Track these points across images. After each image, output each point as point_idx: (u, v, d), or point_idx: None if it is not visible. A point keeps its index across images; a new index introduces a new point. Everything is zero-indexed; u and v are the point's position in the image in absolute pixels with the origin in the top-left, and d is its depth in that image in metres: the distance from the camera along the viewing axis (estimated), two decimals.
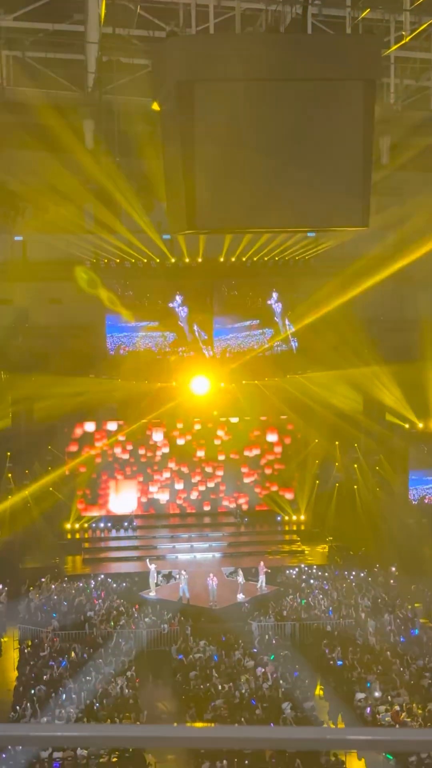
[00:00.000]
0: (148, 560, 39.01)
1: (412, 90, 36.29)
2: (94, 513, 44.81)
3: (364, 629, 33.16)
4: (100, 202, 40.59)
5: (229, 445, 45.81)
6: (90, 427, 44.81)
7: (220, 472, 45.96)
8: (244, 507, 45.91)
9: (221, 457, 45.83)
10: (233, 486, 46.05)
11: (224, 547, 43.07)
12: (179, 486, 45.88)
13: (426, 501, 44.20)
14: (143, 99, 31.32)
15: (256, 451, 46.00)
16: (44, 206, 41.78)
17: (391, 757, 23.40)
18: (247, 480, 46.03)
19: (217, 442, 45.81)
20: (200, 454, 45.76)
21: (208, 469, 45.96)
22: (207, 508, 46.12)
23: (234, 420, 45.48)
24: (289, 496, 45.83)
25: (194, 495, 46.02)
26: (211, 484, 46.07)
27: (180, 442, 45.60)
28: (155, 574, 37.62)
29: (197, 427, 45.56)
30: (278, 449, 46.24)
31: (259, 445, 46.02)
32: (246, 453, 45.96)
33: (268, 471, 46.09)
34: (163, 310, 44.36)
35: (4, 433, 42.28)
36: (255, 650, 31.72)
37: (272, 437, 46.11)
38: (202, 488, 46.08)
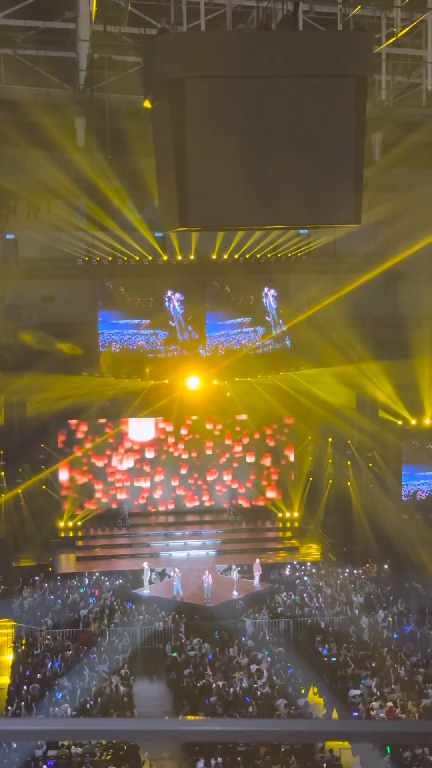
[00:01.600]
0: (142, 560, 39.10)
1: (404, 87, 36.33)
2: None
3: (358, 626, 33.21)
4: (92, 200, 40.61)
5: (221, 442, 45.78)
6: (83, 424, 44.72)
7: (212, 470, 45.91)
8: (238, 504, 45.87)
9: (212, 453, 45.78)
10: (225, 483, 46.02)
11: (218, 545, 43.07)
12: (173, 483, 45.85)
13: (418, 496, 44.26)
14: (135, 96, 31.33)
15: (249, 449, 45.96)
16: (36, 204, 41.81)
17: (389, 750, 23.43)
18: (239, 477, 46.00)
19: (209, 441, 45.78)
20: (193, 451, 45.71)
21: (201, 467, 45.92)
22: (202, 504, 46.09)
23: (226, 417, 45.43)
24: (273, 494, 45.81)
25: (188, 493, 45.99)
26: (203, 482, 46.03)
27: (171, 439, 45.57)
28: (148, 572, 37.67)
29: (189, 422, 45.51)
30: (272, 446, 46.20)
31: (252, 442, 45.98)
32: (238, 450, 45.94)
33: (261, 468, 46.02)
34: (154, 308, 44.36)
35: None
36: (249, 646, 31.73)
37: (265, 434, 46.09)
38: (194, 485, 46.05)
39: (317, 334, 42.75)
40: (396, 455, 44.51)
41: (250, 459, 45.92)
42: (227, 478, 45.94)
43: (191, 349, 44.56)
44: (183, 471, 45.84)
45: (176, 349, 44.57)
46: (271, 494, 45.82)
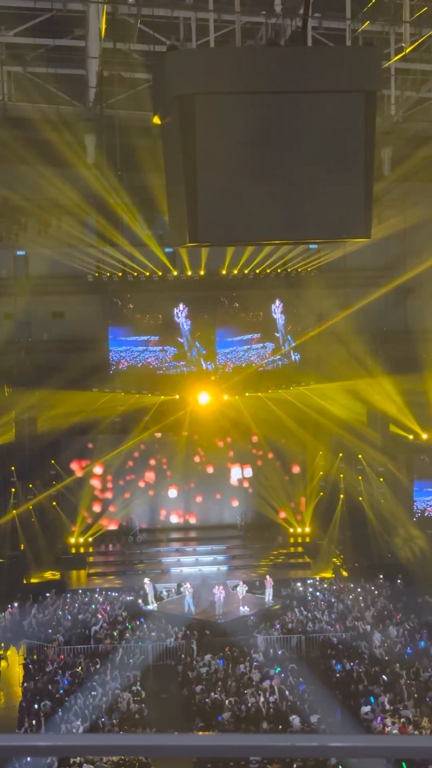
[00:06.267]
0: (145, 577, 39.09)
1: (413, 101, 36.39)
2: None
3: (370, 641, 33.06)
4: (102, 216, 40.75)
5: (232, 457, 45.72)
6: (93, 440, 44.70)
7: (223, 485, 45.84)
8: (249, 520, 45.80)
9: (223, 468, 45.70)
10: (238, 498, 45.95)
11: (229, 560, 43.00)
12: (183, 499, 45.81)
13: (426, 513, 44.05)
14: (144, 113, 31.47)
15: (259, 463, 45.88)
16: (46, 220, 41.93)
17: (405, 766, 23.23)
18: (250, 493, 45.91)
19: (219, 456, 45.71)
20: (204, 466, 45.65)
21: (211, 482, 45.86)
22: (213, 520, 46.06)
23: (237, 432, 45.35)
24: (283, 510, 45.71)
25: (199, 509, 45.95)
26: (214, 497, 45.99)
27: (181, 454, 45.52)
28: (152, 588, 37.60)
29: (199, 438, 45.45)
30: (282, 461, 46.10)
31: (262, 457, 45.91)
32: (248, 465, 45.85)
33: (272, 483, 45.91)
34: (164, 324, 44.32)
35: (8, 448, 42.27)
36: (258, 662, 31.60)
37: (276, 449, 46.01)
38: (206, 502, 46.01)
39: (328, 348, 42.71)
40: (407, 470, 44.42)
41: (260, 474, 45.82)
42: (238, 493, 45.84)
43: (200, 365, 44.48)
44: (194, 487, 45.79)
45: (185, 365, 44.50)
46: (281, 510, 45.71)
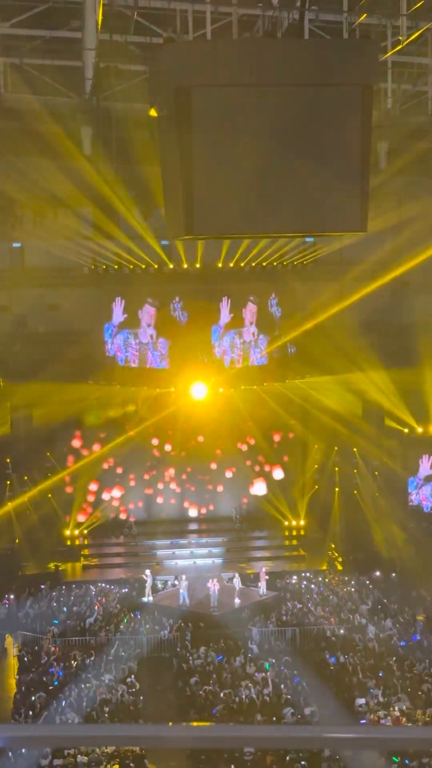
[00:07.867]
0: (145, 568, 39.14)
1: (410, 95, 36.35)
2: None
3: (365, 634, 33.12)
4: (98, 209, 40.66)
5: (227, 450, 45.69)
6: (88, 433, 44.67)
7: (217, 477, 45.84)
8: (244, 512, 45.82)
9: (219, 464, 45.68)
10: (232, 492, 45.94)
11: (224, 553, 43.02)
12: (178, 491, 45.83)
13: (424, 507, 44.10)
14: (141, 105, 31.37)
15: (254, 456, 45.87)
16: (42, 213, 41.84)
17: (397, 760, 23.31)
18: (244, 485, 45.87)
19: (215, 449, 45.69)
20: (198, 459, 45.64)
21: (206, 475, 45.86)
22: (205, 513, 46.11)
23: (232, 425, 45.32)
24: (278, 502, 45.67)
25: (193, 500, 45.96)
26: (209, 490, 46.00)
27: (177, 447, 45.49)
28: (151, 580, 37.62)
29: (196, 433, 45.42)
30: (277, 453, 46.08)
31: (257, 450, 45.89)
32: (243, 458, 45.85)
33: (267, 475, 45.88)
34: (159, 316, 44.25)
35: (4, 440, 42.25)
36: (253, 655, 31.65)
37: (271, 442, 45.98)
38: (200, 494, 46.02)
39: (323, 342, 42.68)
40: (403, 463, 44.44)
41: (255, 467, 45.80)
42: (233, 485, 45.84)
43: (196, 357, 44.40)
44: (188, 479, 45.81)
45: (180, 357, 44.40)
46: (276, 502, 45.71)
